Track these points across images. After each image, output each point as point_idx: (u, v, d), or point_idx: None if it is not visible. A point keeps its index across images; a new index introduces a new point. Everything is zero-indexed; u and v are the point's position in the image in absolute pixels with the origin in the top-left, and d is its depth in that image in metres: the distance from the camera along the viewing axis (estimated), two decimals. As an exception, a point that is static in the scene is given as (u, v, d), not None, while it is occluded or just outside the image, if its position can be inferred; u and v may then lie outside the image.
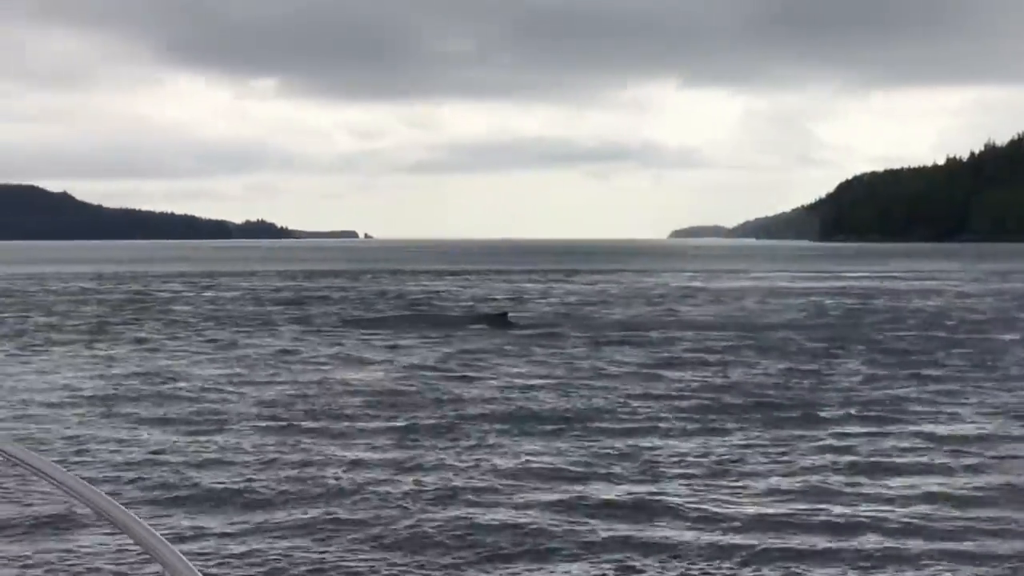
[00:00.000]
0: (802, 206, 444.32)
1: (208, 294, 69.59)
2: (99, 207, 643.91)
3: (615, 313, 52.47)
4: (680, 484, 16.54)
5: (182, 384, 26.73)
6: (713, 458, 18.39)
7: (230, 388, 26.08)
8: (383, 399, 24.32)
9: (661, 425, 21.44)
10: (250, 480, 16.35)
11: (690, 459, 18.33)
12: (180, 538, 13.17)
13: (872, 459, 18.30)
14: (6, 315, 49.83)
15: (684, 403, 24.27)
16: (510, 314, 47.73)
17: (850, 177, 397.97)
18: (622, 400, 24.62)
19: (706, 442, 19.78)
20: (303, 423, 21.30)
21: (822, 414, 22.74)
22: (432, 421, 21.68)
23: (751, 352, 34.87)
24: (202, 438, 19.71)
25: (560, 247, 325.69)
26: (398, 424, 21.19)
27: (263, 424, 21.13)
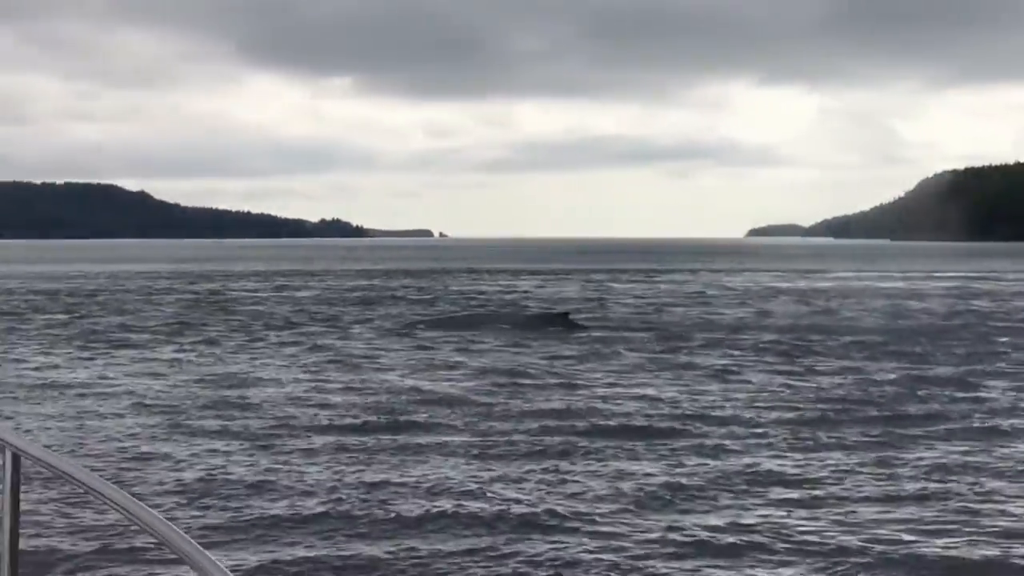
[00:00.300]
0: (881, 204, 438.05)
1: (282, 294, 68.90)
2: (176, 206, 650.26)
3: (695, 315, 50.93)
4: (780, 510, 15.14)
5: (251, 391, 25.65)
6: (813, 479, 16.96)
7: (299, 396, 24.96)
8: (455, 409, 23.06)
9: (753, 441, 19.99)
10: (319, 503, 15.18)
11: (788, 479, 16.93)
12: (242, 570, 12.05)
13: (991, 483, 16.74)
14: (77, 315, 49.26)
15: (776, 415, 22.77)
16: (581, 315, 46.42)
17: (930, 175, 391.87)
18: (707, 411, 23.16)
19: (804, 460, 18.33)
20: (375, 436, 20.10)
21: (934, 429, 21.14)
22: (506, 434, 20.40)
23: (846, 357, 33.13)
24: (268, 453, 18.56)
25: (637, 246, 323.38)
26: (474, 439, 19.91)
27: (332, 438, 19.92)
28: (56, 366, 30.67)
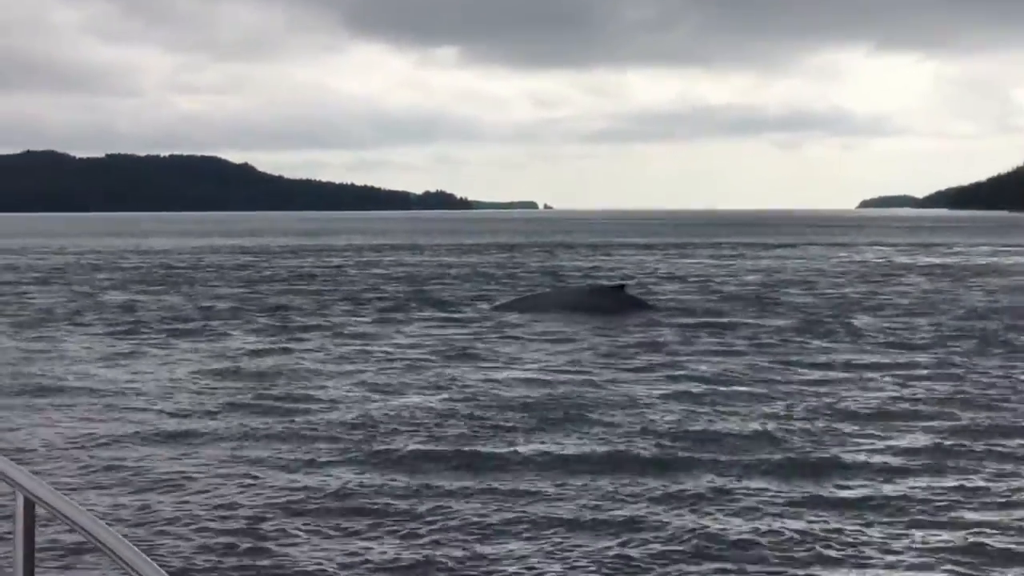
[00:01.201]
0: (998, 175, 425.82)
1: (372, 271, 66.57)
2: (280, 178, 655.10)
3: (804, 294, 47.13)
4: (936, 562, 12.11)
5: (315, 387, 22.91)
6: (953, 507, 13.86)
7: (364, 393, 22.17)
8: (535, 411, 20.11)
9: (878, 457, 16.57)
10: (387, 533, 12.48)
11: (924, 507, 13.84)
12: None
13: None
14: (153, 291, 47.21)
15: (904, 423, 19.35)
16: (668, 294, 43.38)
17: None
18: (822, 415, 19.85)
19: (934, 482, 15.11)
20: (446, 448, 17.25)
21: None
22: (591, 442, 17.44)
23: (988, 350, 28.75)
24: (333, 469, 15.80)
25: (745, 218, 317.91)
26: (561, 450, 16.97)
27: (397, 448, 17.07)
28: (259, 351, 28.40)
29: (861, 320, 35.90)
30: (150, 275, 61.95)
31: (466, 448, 17.00)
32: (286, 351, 28.52)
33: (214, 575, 11.38)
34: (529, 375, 24.26)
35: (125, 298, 45.19)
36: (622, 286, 40.90)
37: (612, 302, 38.05)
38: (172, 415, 19.79)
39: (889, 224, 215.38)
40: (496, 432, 18.26)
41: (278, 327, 34.38)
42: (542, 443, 17.39)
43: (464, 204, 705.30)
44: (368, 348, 29.22)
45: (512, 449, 16.99)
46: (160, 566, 2.72)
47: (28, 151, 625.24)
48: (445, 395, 21.85)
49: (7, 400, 21.24)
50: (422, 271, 65.64)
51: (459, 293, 47.56)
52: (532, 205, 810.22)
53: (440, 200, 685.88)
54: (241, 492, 14.46)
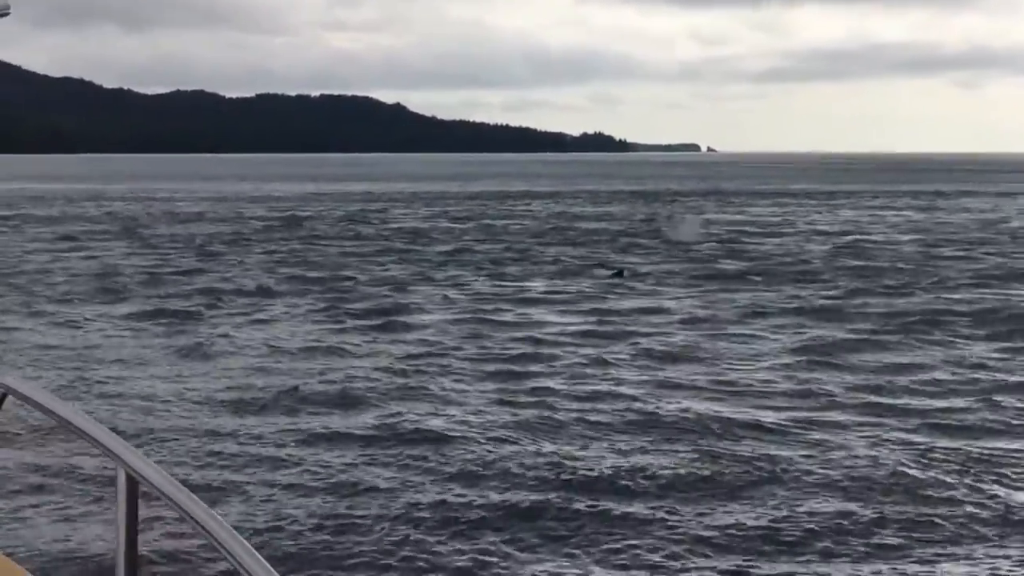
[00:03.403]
0: None
1: (509, 222, 64.87)
2: (433, 119, 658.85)
3: (983, 260, 42.43)
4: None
5: (424, 370, 21.35)
6: None
7: (470, 386, 20.51)
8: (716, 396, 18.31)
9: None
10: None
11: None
12: None
13: None
14: (261, 241, 46.32)
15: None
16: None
17: None
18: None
19: None
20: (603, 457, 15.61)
21: None
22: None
23: None
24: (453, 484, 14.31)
25: (920, 162, 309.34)
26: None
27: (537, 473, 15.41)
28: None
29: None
30: (270, 229, 61.33)
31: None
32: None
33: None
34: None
35: (236, 259, 44.25)
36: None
37: None
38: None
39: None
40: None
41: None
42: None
43: (622, 146, 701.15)
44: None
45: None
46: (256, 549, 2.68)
47: (178, 90, 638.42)
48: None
49: (104, 369, 20.28)
50: (568, 222, 63.80)
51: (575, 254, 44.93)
52: (694, 147, 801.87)
53: (597, 142, 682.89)
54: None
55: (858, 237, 53.93)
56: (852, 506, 12.82)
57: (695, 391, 19.26)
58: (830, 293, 32.67)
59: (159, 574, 10.72)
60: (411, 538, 11.74)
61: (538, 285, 34.89)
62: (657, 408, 17.63)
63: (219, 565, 10.53)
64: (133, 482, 3.07)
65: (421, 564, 11.16)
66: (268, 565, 2.77)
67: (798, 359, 22.18)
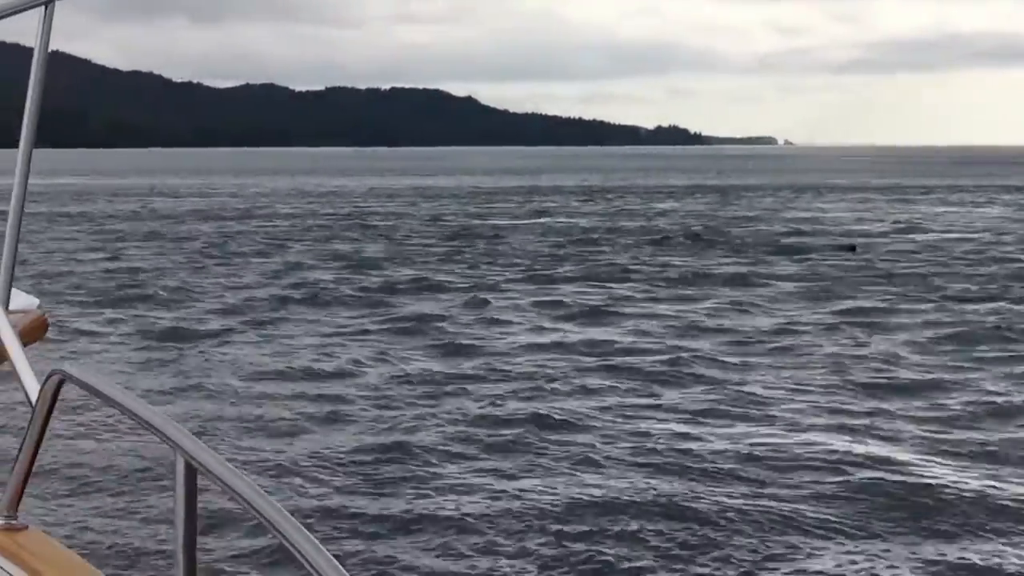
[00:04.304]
0: None
1: (562, 220, 64.42)
2: (505, 112, 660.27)
3: None
4: None
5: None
6: None
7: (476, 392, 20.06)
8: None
9: None
10: None
11: None
12: None
13: None
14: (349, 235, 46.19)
15: None
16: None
17: None
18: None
19: None
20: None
21: None
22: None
23: None
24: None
25: (1011, 155, 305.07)
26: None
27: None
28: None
29: None
30: (339, 229, 61.26)
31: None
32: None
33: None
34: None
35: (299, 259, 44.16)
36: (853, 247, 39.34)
37: None
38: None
39: None
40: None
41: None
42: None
43: (698, 139, 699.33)
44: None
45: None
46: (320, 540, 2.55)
47: (247, 84, 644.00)
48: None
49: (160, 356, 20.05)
50: (637, 223, 63.19)
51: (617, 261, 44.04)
52: (771, 141, 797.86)
53: (672, 135, 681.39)
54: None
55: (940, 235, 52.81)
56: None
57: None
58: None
59: (218, 562, 10.45)
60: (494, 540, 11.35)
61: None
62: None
63: (279, 555, 10.20)
64: (192, 470, 2.96)
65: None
66: (331, 556, 2.65)
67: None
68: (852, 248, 39.37)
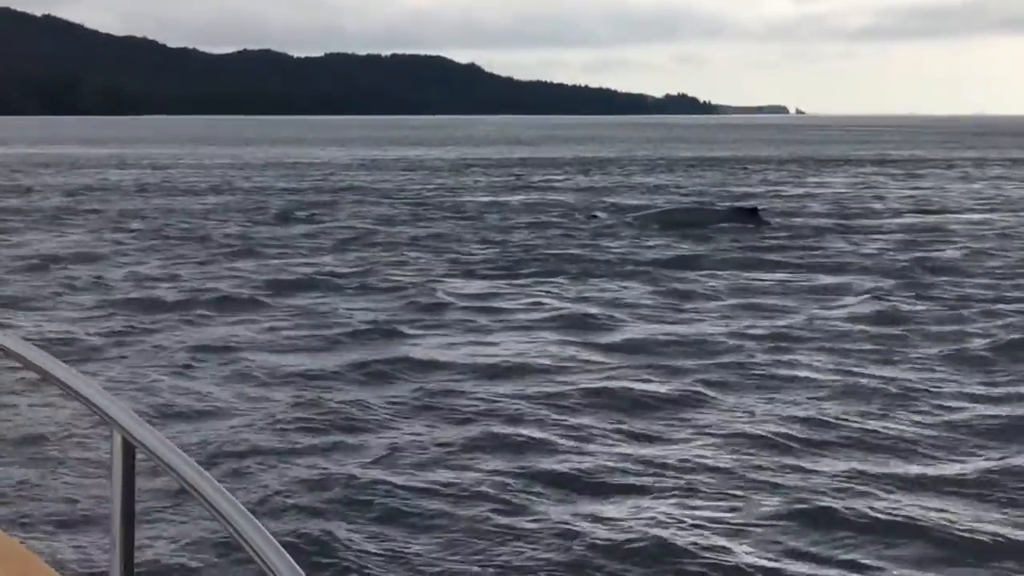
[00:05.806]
0: None
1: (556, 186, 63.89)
2: (509, 79, 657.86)
3: None
4: None
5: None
6: None
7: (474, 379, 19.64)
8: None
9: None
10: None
11: None
12: None
13: None
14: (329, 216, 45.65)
15: None
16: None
17: None
18: None
19: None
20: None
21: None
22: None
23: None
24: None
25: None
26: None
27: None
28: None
29: None
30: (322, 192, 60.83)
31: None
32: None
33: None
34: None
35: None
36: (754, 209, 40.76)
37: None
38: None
39: None
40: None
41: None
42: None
43: (708, 108, 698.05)
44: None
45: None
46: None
47: (244, 50, 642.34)
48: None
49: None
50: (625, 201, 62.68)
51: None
52: (782, 110, 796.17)
53: (681, 104, 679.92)
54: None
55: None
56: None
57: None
58: None
59: (156, 540, 10.20)
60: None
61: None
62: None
63: (219, 535, 9.96)
64: (129, 447, 3.02)
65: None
66: (269, 534, 2.70)
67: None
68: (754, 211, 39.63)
